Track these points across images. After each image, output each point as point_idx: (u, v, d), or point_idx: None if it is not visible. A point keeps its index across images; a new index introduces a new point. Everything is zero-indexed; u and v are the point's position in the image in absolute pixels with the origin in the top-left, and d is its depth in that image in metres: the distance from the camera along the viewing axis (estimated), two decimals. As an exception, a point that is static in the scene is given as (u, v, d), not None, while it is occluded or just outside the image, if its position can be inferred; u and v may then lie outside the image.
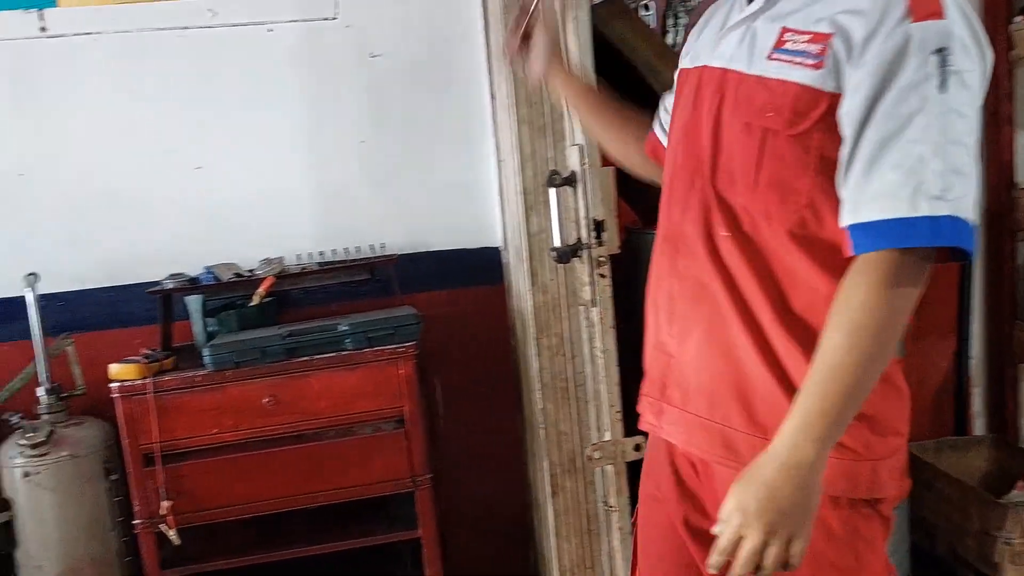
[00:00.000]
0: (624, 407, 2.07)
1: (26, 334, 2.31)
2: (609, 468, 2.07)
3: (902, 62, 0.95)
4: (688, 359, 1.19)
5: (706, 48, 1.20)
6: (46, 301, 2.31)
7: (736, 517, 0.99)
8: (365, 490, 2.19)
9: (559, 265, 2.06)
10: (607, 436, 2.06)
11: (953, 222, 0.94)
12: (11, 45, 2.40)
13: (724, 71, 1.13)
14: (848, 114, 0.99)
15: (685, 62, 1.27)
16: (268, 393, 2.13)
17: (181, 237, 2.52)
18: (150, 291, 2.34)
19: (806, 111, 1.02)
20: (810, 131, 1.03)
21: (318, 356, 2.15)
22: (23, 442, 2.20)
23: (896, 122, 0.95)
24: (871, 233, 0.96)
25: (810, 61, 1.02)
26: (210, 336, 2.30)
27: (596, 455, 2.05)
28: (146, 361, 2.13)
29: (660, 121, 1.43)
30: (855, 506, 1.10)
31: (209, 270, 2.41)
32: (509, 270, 2.55)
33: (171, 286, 2.36)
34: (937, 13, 0.97)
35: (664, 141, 1.37)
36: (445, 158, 2.60)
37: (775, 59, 1.06)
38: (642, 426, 1.30)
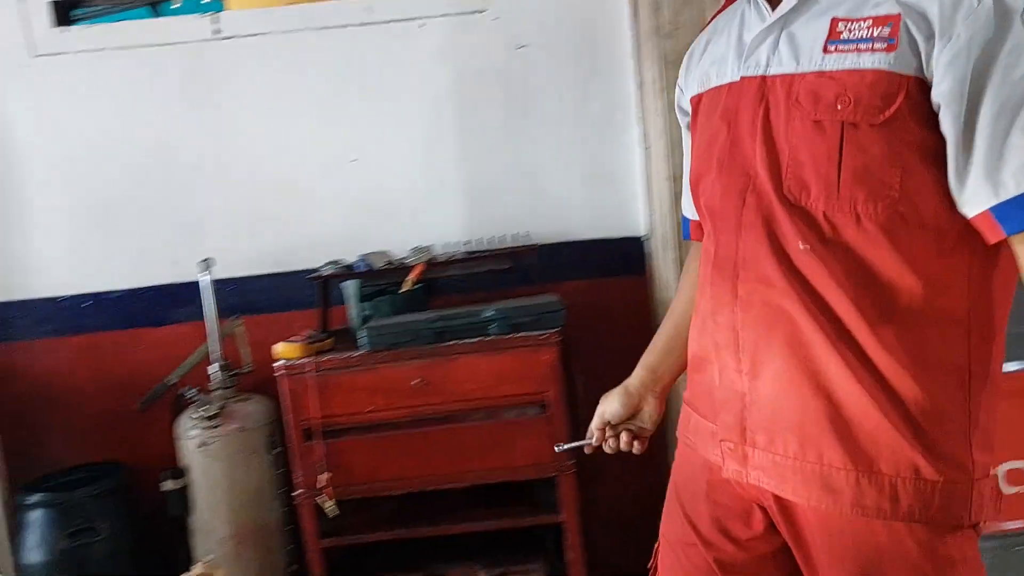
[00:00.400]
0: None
1: (201, 315, 2.50)
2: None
3: (1003, 28, 0.90)
4: (766, 395, 1.08)
5: (723, 65, 1.13)
6: (218, 285, 2.49)
7: None
8: (509, 473, 2.23)
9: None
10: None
11: None
12: (187, 48, 2.60)
13: (763, 79, 1.06)
14: (950, 92, 0.93)
15: (693, 89, 1.20)
16: (418, 375, 2.21)
17: (338, 226, 2.65)
18: (310, 277, 2.48)
19: (888, 97, 0.96)
20: (895, 118, 0.96)
21: (465, 340, 2.21)
22: (198, 415, 2.39)
23: (1015, 89, 0.90)
24: (1011, 211, 0.91)
25: (881, 45, 0.96)
26: (364, 320, 2.41)
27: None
28: (307, 342, 2.26)
29: (688, 203, 1.34)
30: (962, 531, 1.03)
31: (363, 258, 2.53)
32: (653, 259, 2.53)
33: (329, 272, 2.50)
34: None
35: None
36: (589, 147, 2.61)
37: (834, 51, 1.00)
38: (726, 475, 1.15)
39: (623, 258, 2.62)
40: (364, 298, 2.48)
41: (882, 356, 0.99)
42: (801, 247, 1.01)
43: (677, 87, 1.28)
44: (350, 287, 2.49)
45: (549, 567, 2.32)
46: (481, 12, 2.57)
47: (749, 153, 1.06)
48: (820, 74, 1.00)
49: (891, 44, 0.95)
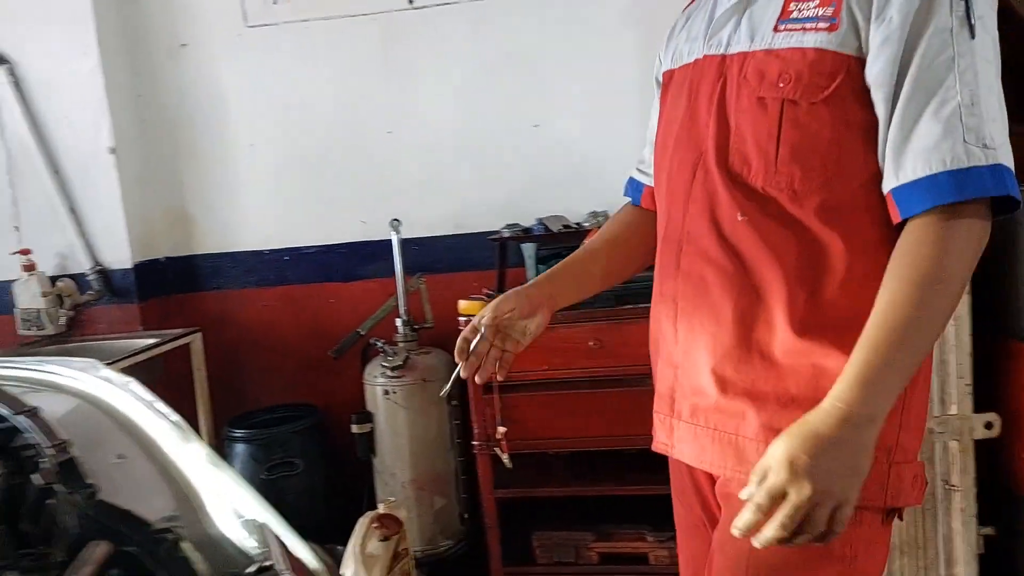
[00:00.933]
0: (974, 380, 1.90)
1: (385, 272, 2.65)
2: (953, 444, 1.91)
3: (929, 13, 0.90)
4: (693, 365, 1.08)
5: (694, 43, 1.13)
6: (402, 245, 2.62)
7: (783, 471, 0.85)
8: (681, 439, 2.23)
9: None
10: (953, 410, 1.90)
11: (1001, 171, 0.88)
12: (383, 17, 2.73)
13: (723, 57, 1.06)
14: (880, 73, 0.93)
15: (667, 63, 1.20)
16: (593, 337, 2.25)
17: (517, 190, 2.72)
18: (491, 238, 2.57)
19: (827, 75, 0.96)
20: (833, 97, 0.96)
21: (642, 305, 2.22)
22: (384, 364, 2.55)
23: (932, 75, 0.90)
24: (920, 191, 0.89)
25: (823, 24, 0.96)
26: (542, 281, 2.46)
27: (938, 429, 1.91)
28: (488, 300, 2.35)
29: (642, 169, 1.34)
30: (867, 513, 0.98)
31: (541, 221, 2.58)
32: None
33: (507, 235, 2.57)
34: None
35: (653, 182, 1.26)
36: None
37: (783, 29, 1.00)
38: (655, 447, 1.18)
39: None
40: (541, 260, 2.54)
41: (810, 330, 0.98)
42: (739, 218, 1.02)
43: (656, 58, 1.28)
44: (528, 249, 2.56)
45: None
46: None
47: (703, 129, 1.07)
48: (768, 52, 1.01)
49: (833, 24, 0.96)
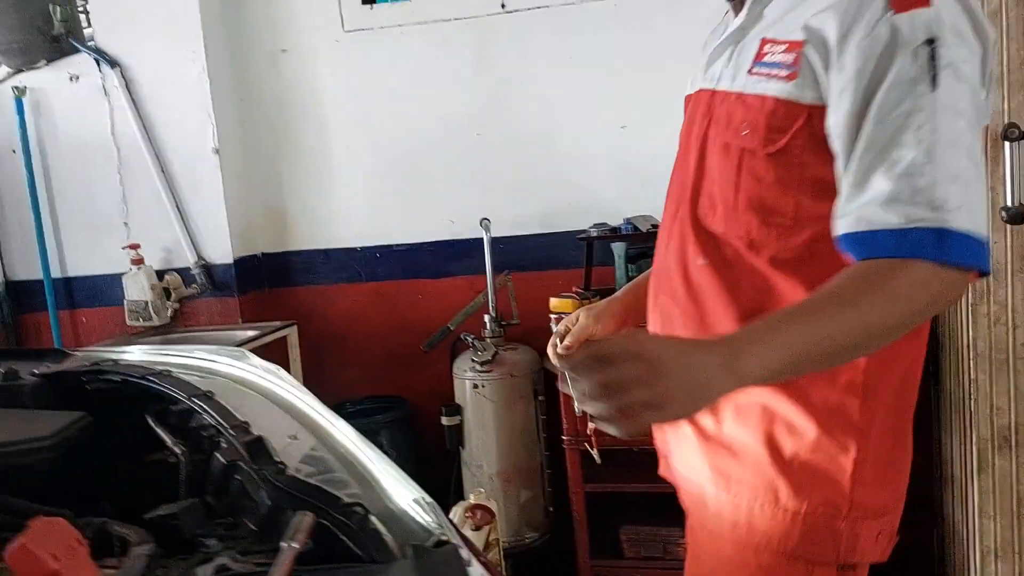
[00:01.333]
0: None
1: (473, 270, 2.72)
2: (1055, 449, 1.90)
3: (888, 61, 0.84)
4: None
5: (700, 71, 1.11)
6: (491, 243, 2.69)
7: (631, 348, 0.73)
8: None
9: (1007, 226, 1.91)
10: (1052, 416, 1.89)
11: (947, 235, 0.81)
12: (476, 22, 2.80)
13: (712, 93, 1.04)
14: (836, 126, 0.89)
15: (687, 88, 1.18)
16: (684, 336, 2.28)
17: (605, 190, 2.77)
18: (579, 237, 2.62)
19: (783, 126, 0.92)
20: (789, 148, 0.93)
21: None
22: (474, 359, 2.62)
23: (885, 130, 0.84)
24: (861, 243, 0.85)
25: (784, 72, 0.93)
26: (630, 280, 2.51)
27: (1040, 433, 1.89)
28: (579, 297, 2.40)
29: None
30: (818, 568, 0.98)
31: (628, 221, 2.63)
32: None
33: (595, 234, 2.62)
34: (923, 1, 0.85)
35: None
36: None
37: (755, 73, 0.97)
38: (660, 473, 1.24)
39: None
40: (630, 259, 2.58)
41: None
42: (700, 263, 1.02)
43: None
44: (618, 248, 2.60)
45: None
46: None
47: (690, 165, 1.06)
48: (739, 96, 0.98)
49: (792, 72, 0.92)
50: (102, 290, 3.00)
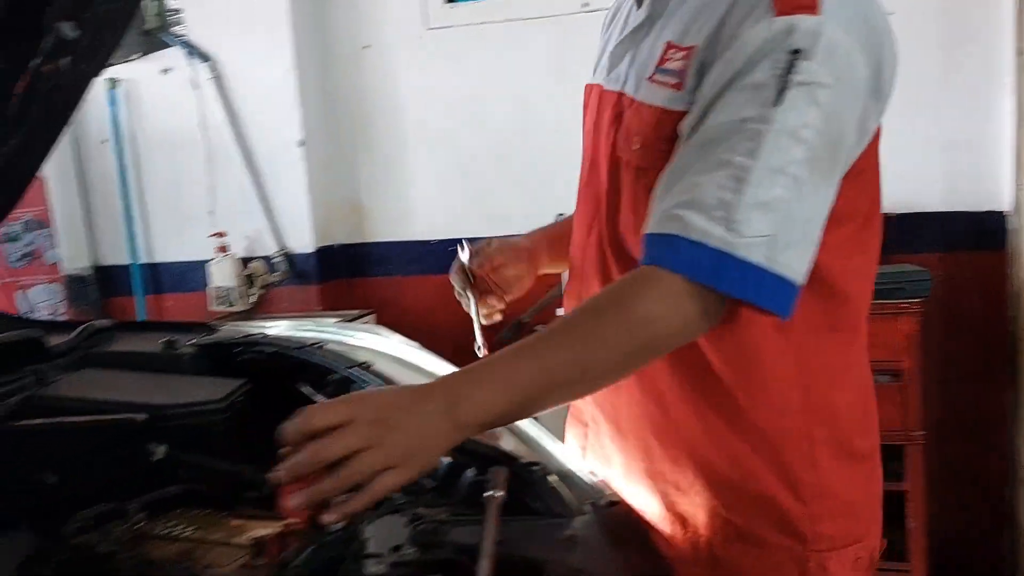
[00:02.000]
0: None
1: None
2: None
3: (749, 66, 0.76)
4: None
5: (602, 61, 1.02)
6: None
7: (341, 414, 0.69)
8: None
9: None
10: None
11: (727, 262, 0.74)
12: (557, 20, 2.85)
13: (620, 95, 0.93)
14: (683, 125, 0.82)
15: (591, 77, 1.06)
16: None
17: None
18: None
19: (668, 140, 0.84)
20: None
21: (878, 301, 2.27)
22: (550, 351, 2.67)
23: (710, 134, 0.77)
24: (648, 246, 0.79)
25: (673, 80, 0.84)
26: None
27: None
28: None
29: None
30: None
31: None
32: (1016, 236, 2.42)
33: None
34: (810, 6, 0.76)
35: None
36: (950, 116, 2.53)
37: (654, 80, 0.87)
38: None
39: (980, 232, 2.52)
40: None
41: (678, 407, 0.90)
42: None
43: None
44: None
45: (888, 533, 2.34)
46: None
47: (602, 175, 0.96)
48: (640, 105, 0.89)
49: (679, 81, 0.83)
50: (187, 276, 3.11)
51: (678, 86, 0.83)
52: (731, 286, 0.75)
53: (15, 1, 0.88)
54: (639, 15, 0.94)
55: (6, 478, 0.98)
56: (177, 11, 2.98)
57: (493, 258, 1.18)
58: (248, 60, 2.94)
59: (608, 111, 0.95)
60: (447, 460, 0.90)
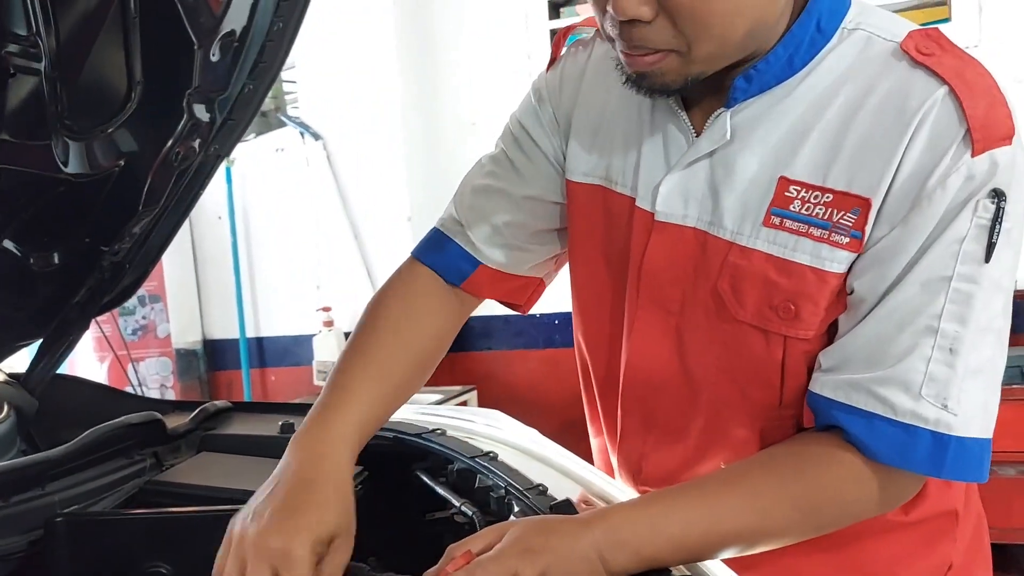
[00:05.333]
0: None
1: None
2: None
3: (949, 215, 0.66)
4: None
5: (629, 175, 0.83)
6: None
7: (516, 547, 0.64)
8: (999, 534, 2.05)
9: None
10: None
11: (946, 443, 0.67)
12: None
13: (704, 235, 0.76)
14: (852, 284, 0.71)
15: (580, 169, 0.88)
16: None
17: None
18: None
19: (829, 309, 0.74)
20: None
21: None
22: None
23: (908, 297, 0.67)
24: (832, 412, 0.71)
25: (844, 239, 0.69)
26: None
27: None
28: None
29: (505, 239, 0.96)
30: None
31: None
32: None
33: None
34: (1008, 136, 0.65)
35: (515, 268, 0.99)
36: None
37: (776, 227, 0.72)
38: None
39: None
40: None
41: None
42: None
43: (531, 105, 0.97)
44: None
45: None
46: (975, 46, 2.45)
47: (678, 320, 0.81)
48: (767, 257, 0.73)
49: (856, 238, 0.69)
50: (292, 350, 3.14)
51: (855, 246, 0.70)
52: (952, 471, 0.69)
53: (159, 83, 0.89)
54: (716, 134, 0.75)
55: (122, 566, 0.96)
56: (291, 92, 3.09)
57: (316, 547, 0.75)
58: (360, 138, 3.02)
59: (682, 248, 0.78)
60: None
